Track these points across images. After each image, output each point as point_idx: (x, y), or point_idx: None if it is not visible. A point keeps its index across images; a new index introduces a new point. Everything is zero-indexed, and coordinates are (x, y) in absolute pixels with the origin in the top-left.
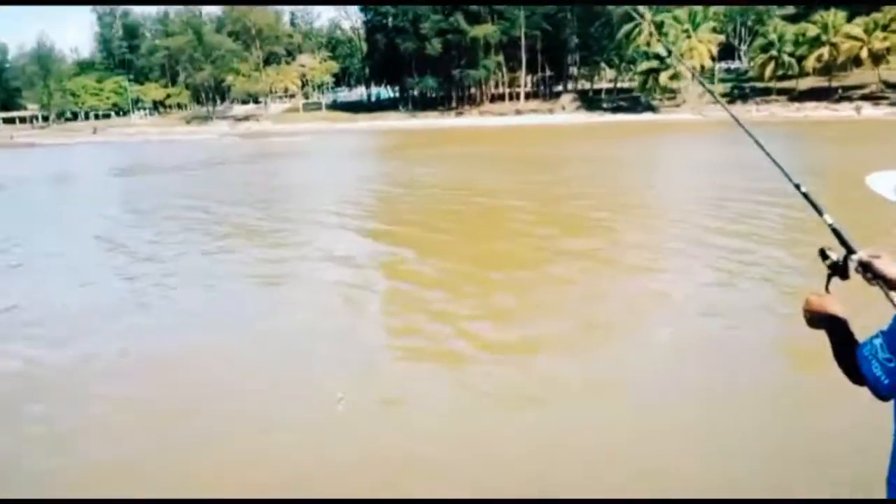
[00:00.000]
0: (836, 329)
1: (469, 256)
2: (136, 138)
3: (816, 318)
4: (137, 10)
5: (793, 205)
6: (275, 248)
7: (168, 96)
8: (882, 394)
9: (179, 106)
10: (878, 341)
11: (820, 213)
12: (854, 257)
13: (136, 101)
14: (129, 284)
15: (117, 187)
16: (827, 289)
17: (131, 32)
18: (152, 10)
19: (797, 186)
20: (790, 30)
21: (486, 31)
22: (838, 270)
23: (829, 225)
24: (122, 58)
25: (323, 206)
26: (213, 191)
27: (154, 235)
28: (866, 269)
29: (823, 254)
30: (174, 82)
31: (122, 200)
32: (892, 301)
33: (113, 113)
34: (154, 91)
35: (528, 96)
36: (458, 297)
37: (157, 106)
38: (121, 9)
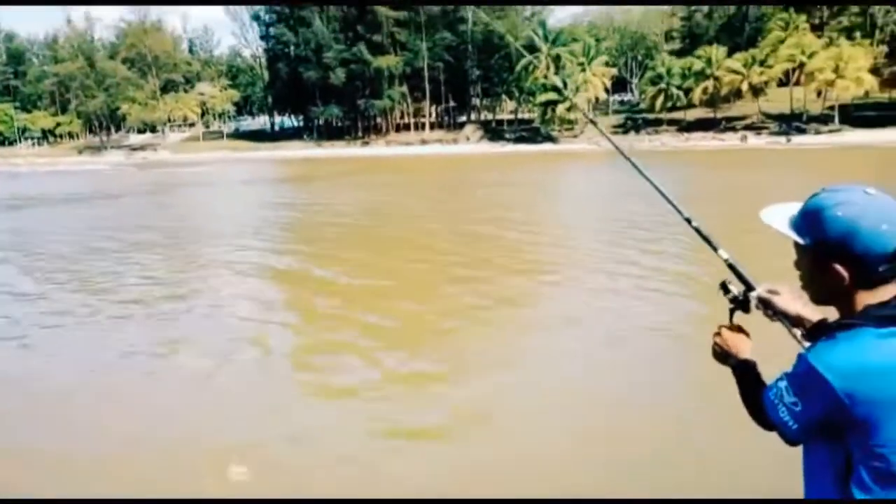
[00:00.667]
0: (743, 371)
1: (386, 275)
2: (23, 169)
3: (726, 355)
4: (23, 34)
5: (687, 230)
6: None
7: (58, 125)
8: (791, 439)
9: (71, 135)
10: (782, 384)
11: (714, 248)
12: (753, 294)
13: (24, 130)
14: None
15: None
16: (731, 322)
17: (17, 57)
18: (39, 34)
19: (688, 221)
20: (677, 64)
21: (389, 62)
22: (740, 305)
23: (725, 260)
24: (6, 84)
25: (236, 234)
26: (105, 225)
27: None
28: (766, 305)
29: (725, 287)
30: (64, 110)
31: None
32: (795, 338)
33: None
34: (43, 119)
35: (432, 126)
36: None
37: (47, 135)
38: (3, 32)
